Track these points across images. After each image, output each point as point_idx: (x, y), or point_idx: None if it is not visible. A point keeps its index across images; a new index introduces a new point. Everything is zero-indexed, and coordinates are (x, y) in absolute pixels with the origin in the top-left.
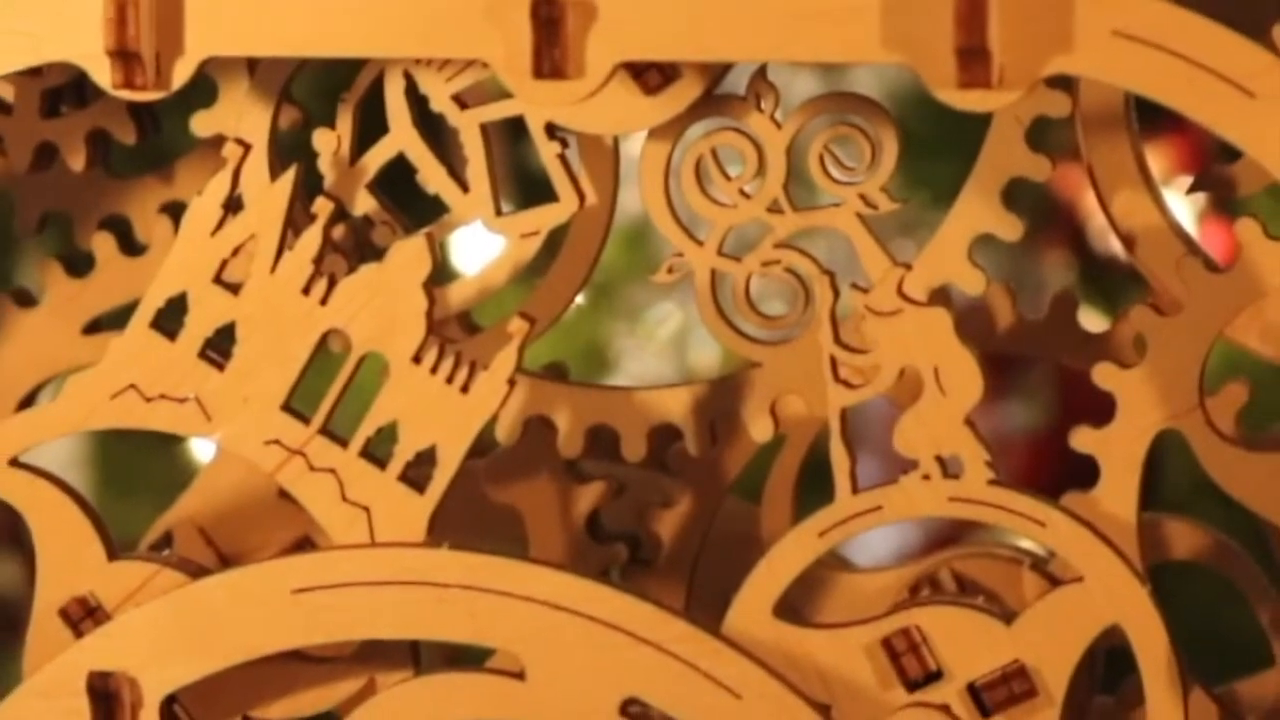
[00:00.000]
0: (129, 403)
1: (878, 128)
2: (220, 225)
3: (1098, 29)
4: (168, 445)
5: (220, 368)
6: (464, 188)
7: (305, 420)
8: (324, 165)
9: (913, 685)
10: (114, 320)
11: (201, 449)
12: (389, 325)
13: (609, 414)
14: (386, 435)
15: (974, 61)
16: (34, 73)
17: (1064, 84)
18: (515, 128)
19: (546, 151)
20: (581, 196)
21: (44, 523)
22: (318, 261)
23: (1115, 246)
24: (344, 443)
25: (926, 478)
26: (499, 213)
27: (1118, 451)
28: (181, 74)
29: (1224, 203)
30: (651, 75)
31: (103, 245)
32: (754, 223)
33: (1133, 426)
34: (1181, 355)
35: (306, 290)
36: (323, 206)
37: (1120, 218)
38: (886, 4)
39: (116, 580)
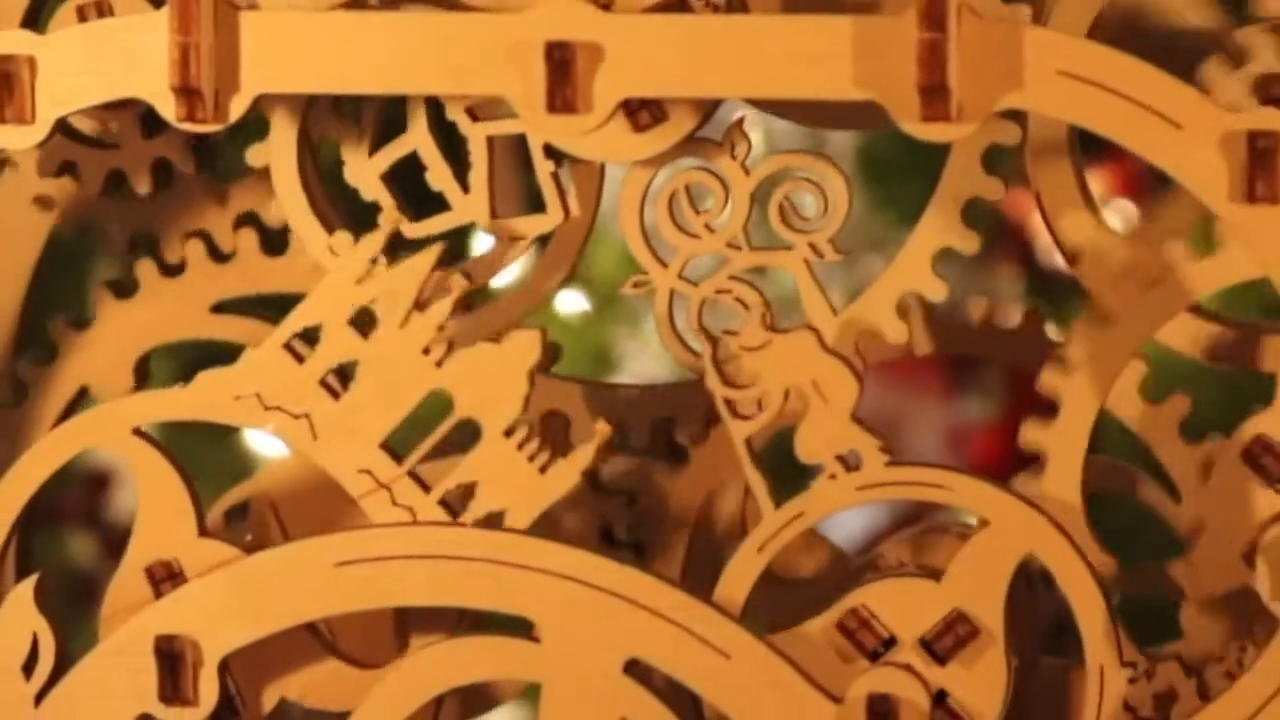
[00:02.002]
0: (249, 406)
1: (833, 185)
2: (364, 277)
3: (1045, 69)
4: (224, 437)
5: (335, 396)
6: (465, 190)
7: (398, 459)
8: (345, 153)
9: (873, 655)
10: (240, 306)
11: (256, 441)
12: (491, 398)
13: (613, 408)
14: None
15: (935, 98)
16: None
17: (1015, 117)
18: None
19: (542, 169)
20: (566, 210)
21: (150, 490)
22: (441, 328)
23: (1059, 261)
24: (427, 488)
25: (833, 477)
26: (494, 216)
27: (1061, 444)
28: (238, 108)
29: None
30: (643, 115)
31: (245, 241)
32: (714, 254)
33: (1073, 423)
34: (1115, 356)
35: (426, 350)
36: (457, 283)
37: (1064, 235)
38: (858, 48)
39: (201, 555)
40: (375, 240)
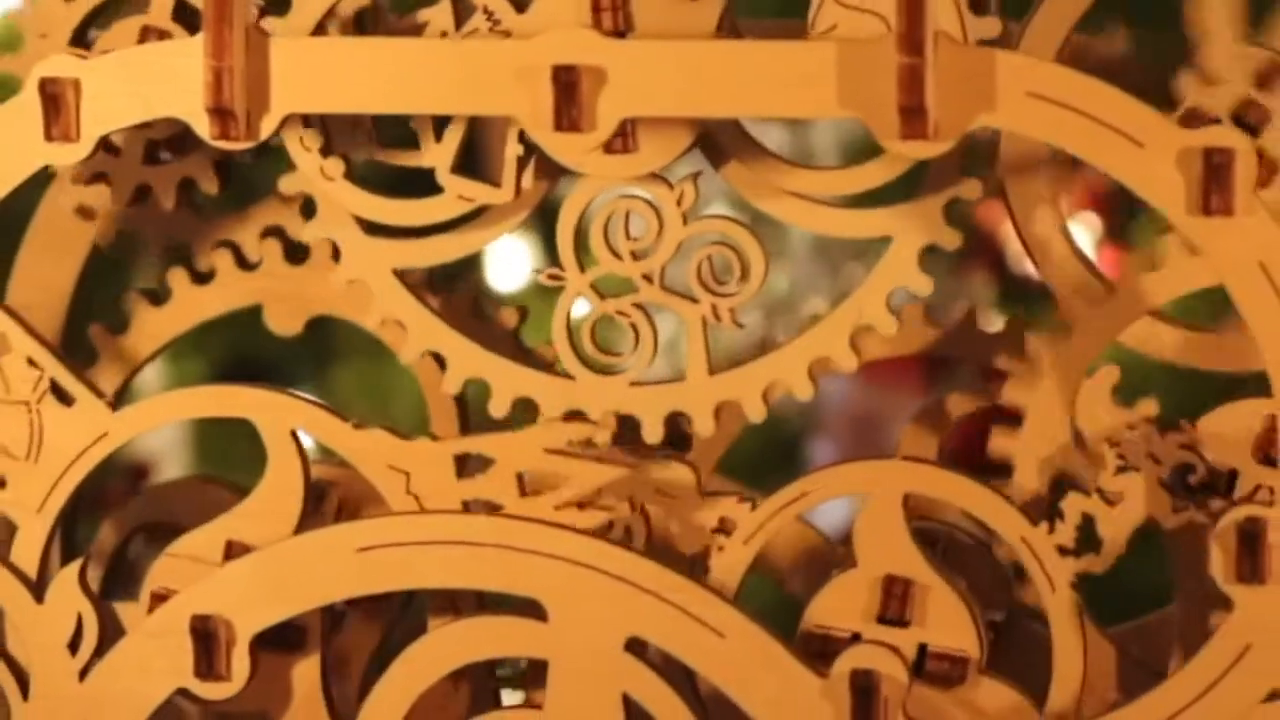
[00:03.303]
0: (394, 480)
1: (754, 261)
2: (555, 451)
3: (1015, 91)
4: (255, 432)
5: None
6: (439, 139)
7: None
8: None
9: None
10: None
11: None
12: None
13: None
14: None
15: (914, 117)
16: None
17: (987, 136)
18: None
19: (511, 150)
20: (518, 191)
21: (273, 484)
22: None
23: (1029, 268)
24: None
25: (721, 549)
26: (454, 171)
27: (1028, 453)
28: (268, 127)
29: (1115, 231)
30: (616, 142)
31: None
32: (628, 277)
33: (1038, 433)
34: (1076, 362)
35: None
36: (623, 511)
37: (1033, 244)
38: (842, 71)
39: None
40: (583, 430)
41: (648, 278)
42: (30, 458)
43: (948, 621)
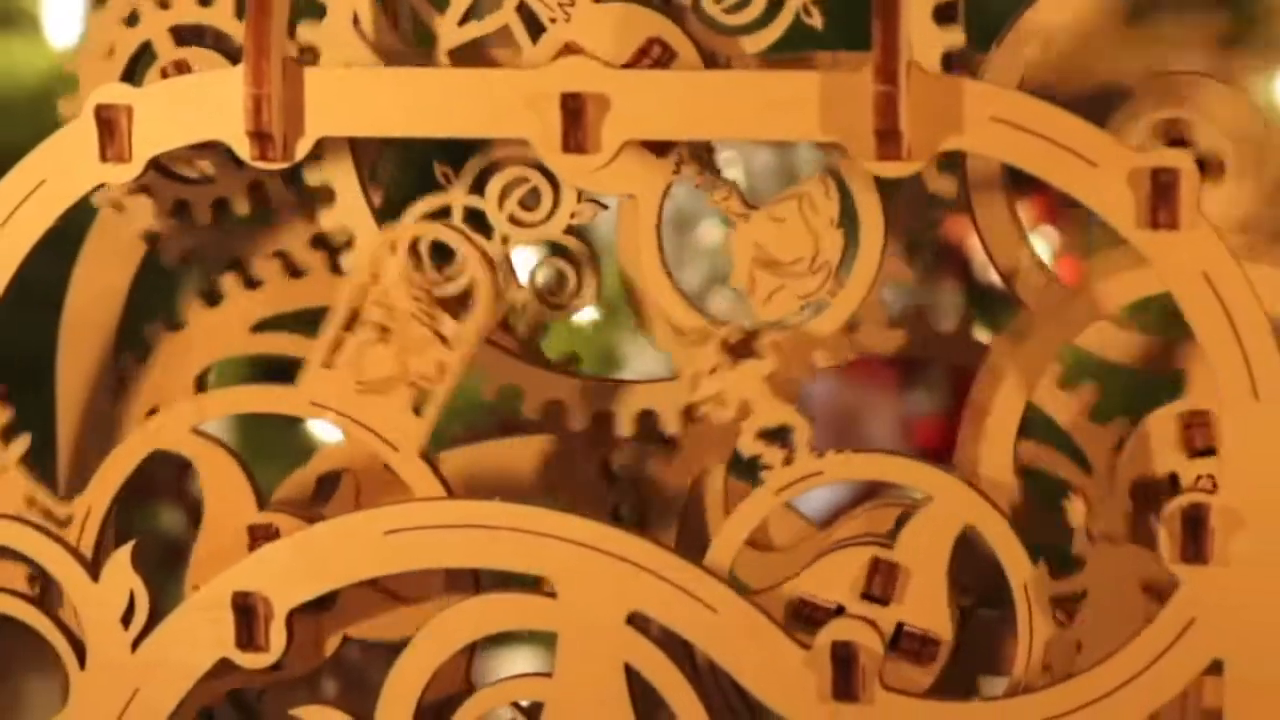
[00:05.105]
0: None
1: (585, 293)
2: None
3: (980, 116)
4: (291, 425)
5: None
6: None
7: None
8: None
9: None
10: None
11: (320, 430)
12: None
13: (615, 401)
14: None
15: (889, 140)
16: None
17: (956, 156)
18: None
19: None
20: None
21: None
22: None
23: (994, 277)
24: None
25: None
26: None
27: (992, 427)
28: (303, 149)
29: (1072, 244)
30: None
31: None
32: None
33: (1002, 414)
34: (1039, 357)
35: None
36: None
37: (997, 255)
38: (824, 98)
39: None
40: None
41: (505, 239)
42: (364, 392)
43: (925, 604)
